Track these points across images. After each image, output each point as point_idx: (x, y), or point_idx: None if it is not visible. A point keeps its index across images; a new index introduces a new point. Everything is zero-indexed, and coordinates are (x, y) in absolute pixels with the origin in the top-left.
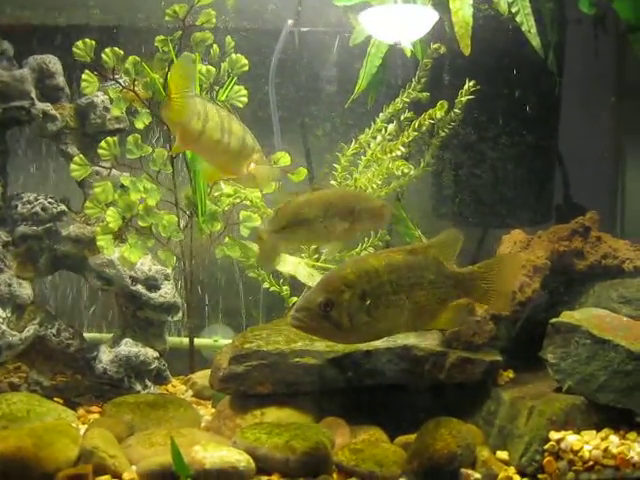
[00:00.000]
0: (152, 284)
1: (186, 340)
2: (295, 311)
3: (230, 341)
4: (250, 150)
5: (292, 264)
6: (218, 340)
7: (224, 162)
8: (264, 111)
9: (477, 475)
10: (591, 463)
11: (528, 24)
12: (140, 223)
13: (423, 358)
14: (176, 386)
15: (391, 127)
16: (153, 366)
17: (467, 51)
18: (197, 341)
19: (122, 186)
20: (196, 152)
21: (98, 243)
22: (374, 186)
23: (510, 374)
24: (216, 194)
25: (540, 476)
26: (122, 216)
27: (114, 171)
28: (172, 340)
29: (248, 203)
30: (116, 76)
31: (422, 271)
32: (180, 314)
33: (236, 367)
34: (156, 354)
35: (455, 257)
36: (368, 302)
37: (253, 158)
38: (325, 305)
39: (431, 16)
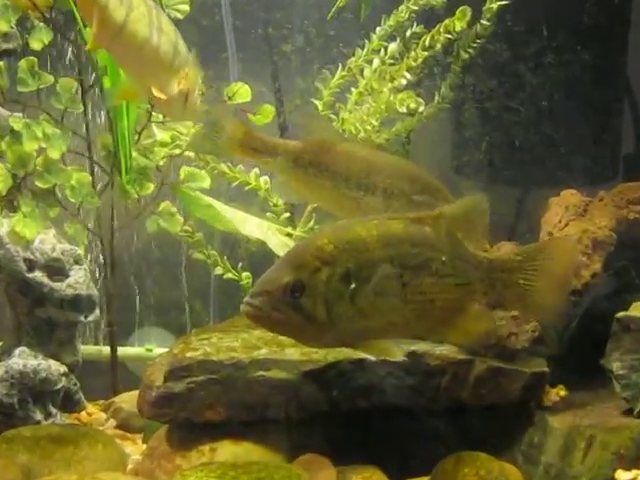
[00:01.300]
0: (56, 269)
1: (107, 349)
2: (251, 296)
3: (167, 349)
4: (184, 60)
5: (259, 227)
6: (152, 349)
7: (150, 72)
8: (211, 19)
9: None
10: None
11: None
12: (38, 184)
13: (438, 370)
14: (93, 414)
15: (393, 46)
16: (59, 386)
17: None
18: (122, 350)
19: (12, 131)
20: (115, 56)
21: None
22: (368, 128)
23: (561, 391)
24: (146, 142)
25: None
26: (12, 174)
27: (1, 110)
28: (87, 350)
29: (192, 156)
30: None
31: (431, 249)
32: (97, 312)
33: (175, 385)
34: (64, 369)
35: (481, 235)
36: (353, 286)
37: (186, 75)
38: (293, 288)
39: None
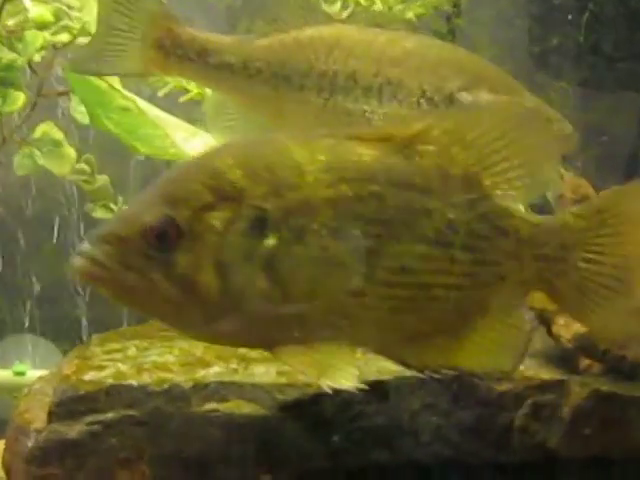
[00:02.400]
0: None
1: None
2: (90, 242)
3: (52, 369)
4: None
5: (178, 129)
6: (24, 371)
7: None
8: None
9: None
10: None
11: None
12: None
13: (509, 399)
14: None
15: None
16: None
17: None
18: None
19: None
20: None
21: None
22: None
23: None
24: (11, 22)
25: None
26: None
27: None
28: None
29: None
30: None
31: (424, 195)
32: None
33: (67, 427)
34: None
35: (532, 172)
36: (271, 242)
37: None
38: (160, 233)
39: None
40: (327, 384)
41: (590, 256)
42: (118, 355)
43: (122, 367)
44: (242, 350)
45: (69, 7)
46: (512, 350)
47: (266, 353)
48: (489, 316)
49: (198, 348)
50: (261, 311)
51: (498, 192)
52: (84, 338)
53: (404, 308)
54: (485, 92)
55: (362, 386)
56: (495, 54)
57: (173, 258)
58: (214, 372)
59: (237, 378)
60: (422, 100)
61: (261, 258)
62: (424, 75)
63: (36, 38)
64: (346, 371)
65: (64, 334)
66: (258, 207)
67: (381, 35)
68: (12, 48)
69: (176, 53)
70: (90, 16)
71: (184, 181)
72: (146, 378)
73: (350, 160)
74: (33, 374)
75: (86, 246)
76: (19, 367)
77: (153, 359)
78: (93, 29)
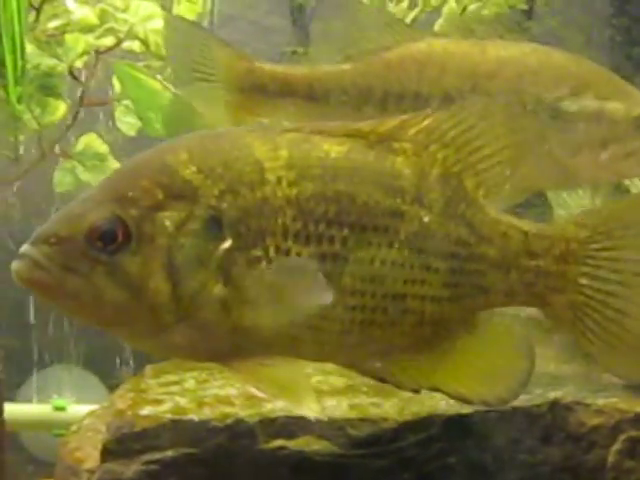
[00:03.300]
0: None
1: None
2: (31, 242)
3: (103, 404)
4: None
5: None
6: (64, 405)
7: None
8: None
9: None
10: None
11: None
12: None
13: (600, 434)
14: None
15: None
16: None
17: None
18: (11, 410)
19: None
20: None
21: None
22: None
23: None
24: (52, 25)
25: None
26: None
27: None
28: None
29: (138, 45)
30: None
31: (400, 196)
32: None
33: (123, 467)
34: None
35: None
36: (226, 245)
37: None
38: (105, 233)
39: None
40: (287, 402)
41: (593, 271)
42: (175, 388)
43: (181, 401)
44: (313, 381)
45: (115, 8)
46: (505, 377)
47: (336, 385)
48: (476, 334)
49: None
50: (216, 320)
51: (481, 194)
52: (126, 370)
53: (375, 320)
54: (592, 98)
55: (319, 413)
56: (591, 56)
57: (120, 261)
58: (280, 406)
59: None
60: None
61: (216, 262)
62: (523, 85)
63: (78, 42)
64: (307, 393)
65: (106, 365)
66: (213, 207)
67: (474, 46)
68: (52, 53)
69: (260, 92)
70: (136, 17)
71: (134, 178)
72: (207, 413)
73: (315, 157)
74: (75, 410)
75: (26, 247)
76: (59, 402)
77: (214, 392)
78: (140, 31)
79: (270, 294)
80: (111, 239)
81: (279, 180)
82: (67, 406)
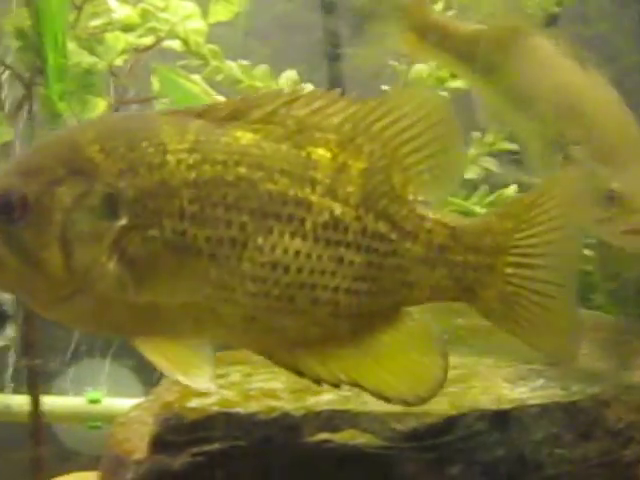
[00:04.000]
0: None
1: (20, 400)
2: None
3: (147, 396)
4: None
5: None
6: (99, 398)
7: None
8: None
9: None
10: None
11: None
12: None
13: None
14: None
15: None
16: None
17: None
18: (46, 402)
19: None
20: None
21: None
22: None
23: None
24: (93, 24)
25: None
26: None
27: None
28: None
29: (176, 44)
30: None
31: (301, 179)
32: (10, 332)
33: (171, 458)
34: None
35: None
36: (121, 223)
37: None
38: (5, 204)
39: None
40: (181, 379)
41: (519, 260)
42: (221, 381)
43: (227, 394)
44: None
45: (156, 7)
46: (424, 375)
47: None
48: (401, 329)
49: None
50: (112, 295)
51: (410, 190)
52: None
53: (281, 308)
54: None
55: (213, 386)
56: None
57: (18, 232)
58: (325, 400)
59: (350, 406)
60: None
61: (110, 239)
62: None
63: (118, 41)
64: (203, 369)
65: (138, 358)
66: (110, 185)
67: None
68: (92, 51)
69: (428, 37)
70: (176, 16)
71: (40, 154)
72: (254, 406)
73: (223, 142)
74: (109, 402)
75: None
76: (93, 394)
77: (259, 385)
78: (181, 30)
79: (165, 275)
80: (9, 210)
81: (179, 162)
82: (101, 398)
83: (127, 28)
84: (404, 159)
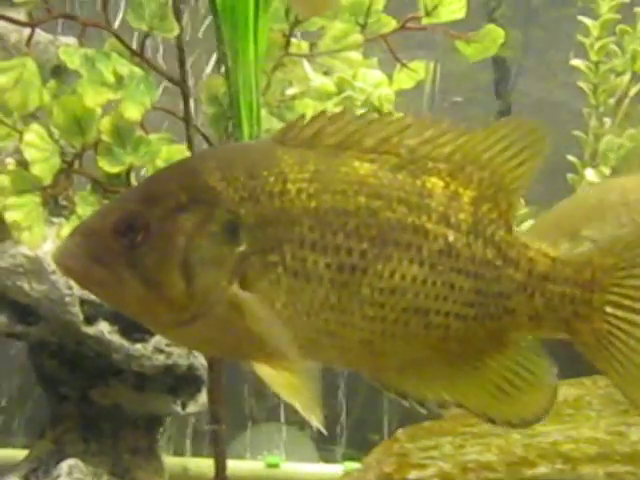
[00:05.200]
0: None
1: (199, 463)
2: (70, 234)
3: (320, 463)
4: None
5: None
6: (278, 462)
7: None
8: None
9: None
10: None
11: None
12: (103, 165)
13: None
14: None
15: None
16: None
17: None
18: (230, 465)
19: (61, 70)
20: None
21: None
22: None
23: None
24: (289, 93)
25: None
26: (60, 148)
27: (42, 35)
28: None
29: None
30: None
31: (421, 212)
32: (204, 398)
33: None
34: None
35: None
36: (241, 249)
37: None
38: (127, 227)
39: None
40: (297, 407)
41: (619, 300)
42: (435, 452)
43: (444, 466)
44: (565, 449)
45: (352, 77)
46: (530, 401)
47: (588, 453)
48: (507, 354)
49: (517, 447)
50: (231, 319)
51: (512, 214)
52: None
53: (396, 332)
54: None
55: (321, 424)
56: None
57: (140, 255)
58: (541, 473)
59: (566, 477)
60: None
61: (231, 264)
62: None
63: (307, 107)
64: (315, 402)
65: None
66: (231, 211)
67: None
68: (281, 118)
69: None
70: (366, 84)
71: (163, 181)
72: (472, 478)
73: (342, 172)
74: (287, 466)
75: (66, 238)
76: (272, 458)
77: (474, 457)
78: (375, 99)
79: (285, 299)
80: (132, 234)
81: (299, 191)
82: (280, 463)
83: (323, 97)
84: (509, 186)
